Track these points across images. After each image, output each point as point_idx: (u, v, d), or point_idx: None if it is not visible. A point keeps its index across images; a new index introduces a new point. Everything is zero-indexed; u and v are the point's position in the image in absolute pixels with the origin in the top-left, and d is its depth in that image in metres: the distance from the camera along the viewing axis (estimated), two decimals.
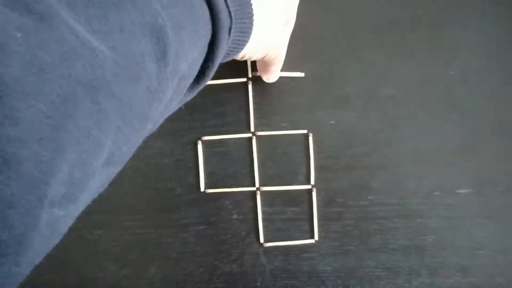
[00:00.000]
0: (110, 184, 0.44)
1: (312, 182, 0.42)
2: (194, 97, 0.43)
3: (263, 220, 0.43)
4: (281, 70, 0.43)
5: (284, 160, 0.43)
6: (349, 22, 0.43)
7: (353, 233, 0.42)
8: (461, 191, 0.42)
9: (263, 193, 0.43)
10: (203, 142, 0.43)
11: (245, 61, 0.43)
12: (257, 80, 0.43)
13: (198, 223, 0.43)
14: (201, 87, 0.28)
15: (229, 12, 0.26)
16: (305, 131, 0.42)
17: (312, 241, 0.42)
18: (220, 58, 0.27)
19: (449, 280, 0.42)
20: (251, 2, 0.29)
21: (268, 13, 0.32)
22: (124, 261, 0.44)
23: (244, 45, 0.30)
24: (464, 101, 0.42)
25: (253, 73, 0.43)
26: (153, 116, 0.22)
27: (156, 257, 0.44)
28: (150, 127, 0.23)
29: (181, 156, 0.43)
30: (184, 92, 0.27)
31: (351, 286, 0.42)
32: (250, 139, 0.43)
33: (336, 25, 0.43)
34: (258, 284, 0.43)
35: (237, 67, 0.43)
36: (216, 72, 0.43)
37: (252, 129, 0.43)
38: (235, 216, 0.43)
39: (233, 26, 0.27)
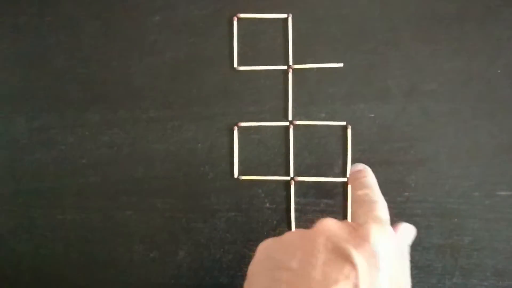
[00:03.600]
0: (142, 166, 0.43)
1: (348, 175, 0.42)
2: (233, 83, 0.43)
3: (296, 210, 0.42)
4: (319, 62, 0.42)
5: (320, 151, 0.42)
6: (393, 14, 0.42)
7: None
8: (501, 193, 0.41)
9: (297, 184, 0.42)
10: (239, 128, 0.43)
11: (287, 48, 0.42)
12: (297, 69, 0.42)
13: (229, 209, 0.43)
14: None
15: None
16: (343, 123, 0.42)
17: None
18: None
19: (484, 283, 0.41)
20: None
21: None
22: (152, 244, 0.44)
23: None
24: (508, 100, 0.41)
25: None
26: None
27: (184, 242, 0.43)
28: None
29: (215, 141, 0.43)
30: None
31: None
32: (287, 128, 0.42)
33: (379, 17, 0.42)
34: None
35: (278, 54, 0.42)
36: (256, 58, 0.43)
37: (290, 118, 0.42)
38: (267, 205, 0.43)
39: None
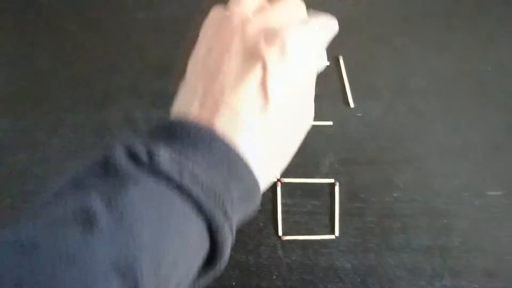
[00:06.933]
0: None
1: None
2: None
3: (282, 212, 0.41)
4: None
5: (307, 151, 0.41)
6: (381, 9, 0.41)
7: (374, 230, 0.41)
8: (491, 192, 0.40)
9: (284, 185, 0.41)
10: None
11: None
12: None
13: None
14: (217, 271, 0.24)
15: (223, 205, 0.22)
16: (330, 123, 0.41)
17: (332, 236, 0.41)
18: (228, 249, 0.23)
19: (473, 284, 0.40)
20: (258, 186, 0.24)
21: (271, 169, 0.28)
22: None
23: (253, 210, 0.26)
24: (499, 98, 0.40)
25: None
26: None
27: None
28: None
29: None
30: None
31: (370, 284, 0.41)
32: None
33: (366, 12, 0.41)
34: (274, 277, 0.41)
35: None
36: None
37: None
38: None
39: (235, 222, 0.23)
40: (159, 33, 0.43)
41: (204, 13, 0.42)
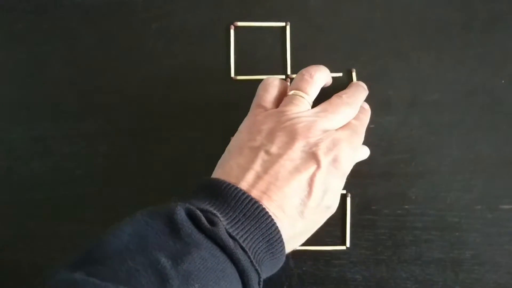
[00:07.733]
0: (139, 177, 0.43)
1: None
2: (230, 92, 0.42)
3: None
4: None
5: None
6: (395, 23, 0.41)
7: (386, 242, 0.41)
8: (504, 206, 0.40)
9: None
10: None
11: (285, 57, 0.41)
12: None
13: None
14: None
15: (256, 270, 0.29)
16: None
17: (343, 247, 0.41)
18: None
19: None
20: (284, 249, 0.31)
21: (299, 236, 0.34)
22: None
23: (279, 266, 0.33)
24: None
25: None
26: None
27: None
28: None
29: (213, 151, 0.42)
30: None
31: None
32: None
33: (380, 25, 0.41)
34: (285, 287, 0.42)
35: (276, 64, 0.42)
36: (254, 68, 0.42)
37: None
38: None
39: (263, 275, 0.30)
40: (171, 43, 0.43)
41: (217, 23, 0.42)
